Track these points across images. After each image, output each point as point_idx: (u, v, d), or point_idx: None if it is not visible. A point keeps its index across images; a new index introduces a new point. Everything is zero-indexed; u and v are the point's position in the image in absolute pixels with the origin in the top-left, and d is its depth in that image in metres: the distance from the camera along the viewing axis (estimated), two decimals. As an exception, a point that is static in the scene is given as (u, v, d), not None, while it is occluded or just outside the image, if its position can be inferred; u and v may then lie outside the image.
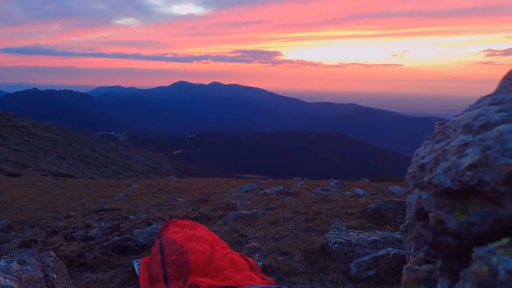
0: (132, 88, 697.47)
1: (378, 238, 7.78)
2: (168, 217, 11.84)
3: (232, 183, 27.86)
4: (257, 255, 8.13)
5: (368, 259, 6.97)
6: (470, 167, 1.54)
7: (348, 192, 18.86)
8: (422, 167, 1.80)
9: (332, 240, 7.85)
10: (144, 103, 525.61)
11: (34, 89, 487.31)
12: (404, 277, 2.24)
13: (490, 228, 1.51)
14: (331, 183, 23.15)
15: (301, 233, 9.54)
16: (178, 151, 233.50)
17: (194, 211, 13.42)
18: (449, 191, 1.60)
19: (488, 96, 1.91)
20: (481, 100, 1.90)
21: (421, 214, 1.73)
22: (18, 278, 4.22)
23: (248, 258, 7.41)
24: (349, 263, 7.17)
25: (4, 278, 4.04)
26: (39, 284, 4.66)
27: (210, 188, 24.39)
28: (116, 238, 9.33)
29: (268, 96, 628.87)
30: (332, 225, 9.71)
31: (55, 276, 5.33)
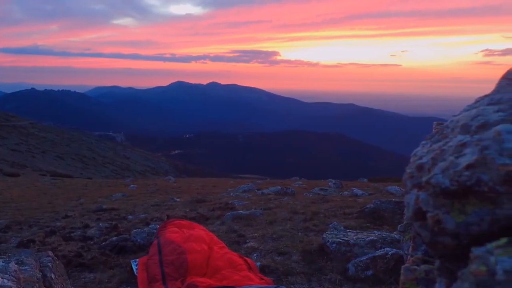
0: (130, 88, 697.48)
1: (376, 238, 7.78)
2: (166, 217, 11.84)
3: (230, 183, 27.87)
4: (255, 255, 8.13)
5: (366, 259, 6.97)
6: (468, 167, 1.54)
7: (346, 192, 18.88)
8: (420, 167, 1.80)
9: (330, 240, 7.85)
10: (142, 103, 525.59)
11: (32, 89, 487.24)
12: (402, 277, 2.24)
13: (488, 228, 1.51)
14: (329, 183, 23.16)
15: (299, 233, 9.55)
16: (176, 151, 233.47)
17: (192, 211, 13.42)
18: (447, 191, 1.60)
19: (486, 96, 1.91)
20: (479, 100, 1.90)
21: (419, 214, 1.73)
22: (16, 278, 4.22)
23: (246, 258, 7.41)
24: (347, 263, 7.17)
25: (2, 278, 4.04)
26: (37, 284, 4.66)
27: (208, 188, 24.40)
28: (114, 238, 9.33)
29: (266, 96, 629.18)
30: (330, 225, 9.71)
31: (53, 276, 5.32)
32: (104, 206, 15.90)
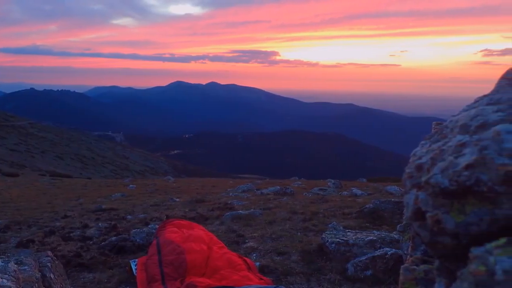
0: (129, 88, 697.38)
1: (375, 238, 7.79)
2: (165, 217, 11.84)
3: (230, 183, 27.86)
4: (254, 255, 8.14)
5: (366, 259, 6.98)
6: (468, 167, 1.54)
7: (345, 192, 18.89)
8: (419, 167, 1.80)
9: (329, 240, 7.85)
10: (142, 103, 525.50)
11: (32, 89, 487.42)
12: (401, 277, 2.24)
13: (487, 228, 1.51)
14: (329, 183, 23.16)
15: (299, 233, 9.55)
16: (175, 151, 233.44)
17: (192, 211, 13.43)
18: (446, 191, 1.60)
19: (485, 96, 1.91)
20: (478, 100, 1.90)
21: (419, 214, 1.74)
22: (15, 278, 4.22)
23: (245, 258, 7.42)
24: (346, 263, 7.18)
25: (1, 278, 4.04)
26: (36, 284, 4.66)
27: (207, 188, 24.40)
28: (114, 238, 9.33)
29: (265, 96, 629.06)
30: (329, 225, 9.71)
31: (52, 276, 5.33)
32: (103, 206, 15.91)
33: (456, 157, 1.62)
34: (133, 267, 7.36)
